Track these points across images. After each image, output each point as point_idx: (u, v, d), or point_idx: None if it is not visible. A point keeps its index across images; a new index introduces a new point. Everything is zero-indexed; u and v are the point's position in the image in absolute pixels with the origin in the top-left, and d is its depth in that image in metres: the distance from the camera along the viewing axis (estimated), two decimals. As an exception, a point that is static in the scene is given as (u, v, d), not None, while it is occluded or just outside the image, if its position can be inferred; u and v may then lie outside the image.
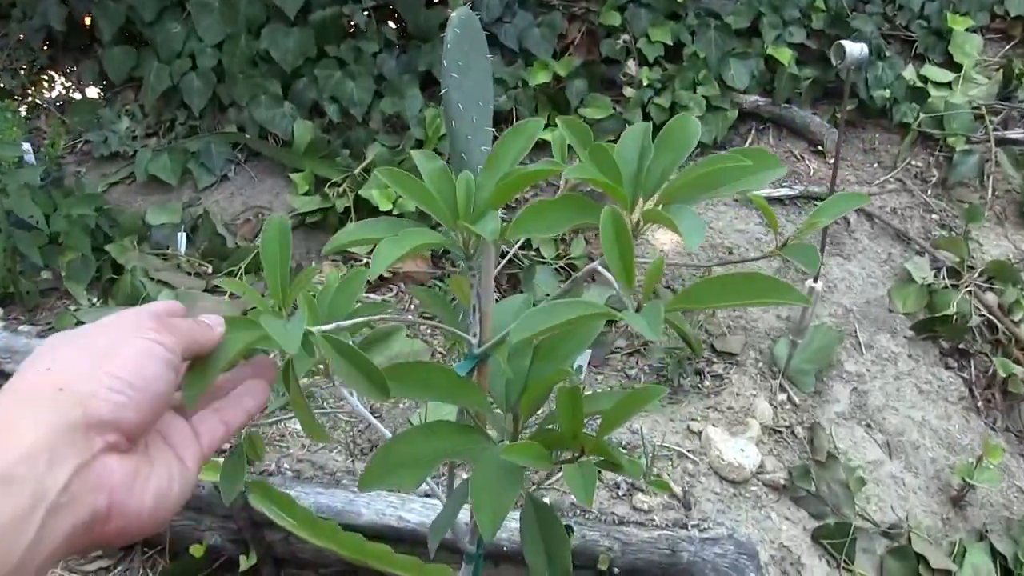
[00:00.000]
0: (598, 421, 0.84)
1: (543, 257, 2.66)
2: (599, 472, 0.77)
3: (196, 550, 1.90)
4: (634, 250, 0.55)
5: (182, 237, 3.04)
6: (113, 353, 0.53)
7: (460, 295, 0.91)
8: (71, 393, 0.49)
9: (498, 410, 0.93)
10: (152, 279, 2.73)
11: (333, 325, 0.72)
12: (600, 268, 0.68)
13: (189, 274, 2.87)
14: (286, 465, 1.99)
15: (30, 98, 3.66)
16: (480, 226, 0.67)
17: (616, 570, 1.70)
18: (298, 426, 2.13)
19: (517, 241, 0.86)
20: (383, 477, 0.77)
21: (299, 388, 0.78)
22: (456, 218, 0.72)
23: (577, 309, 0.56)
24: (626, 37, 3.20)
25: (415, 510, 1.79)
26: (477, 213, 0.71)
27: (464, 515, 1.01)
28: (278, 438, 2.09)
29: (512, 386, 0.94)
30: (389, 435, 1.12)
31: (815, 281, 2.19)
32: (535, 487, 1.58)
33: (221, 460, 1.94)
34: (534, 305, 0.77)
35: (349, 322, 0.77)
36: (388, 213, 2.76)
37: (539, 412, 0.94)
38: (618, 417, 0.85)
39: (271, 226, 0.70)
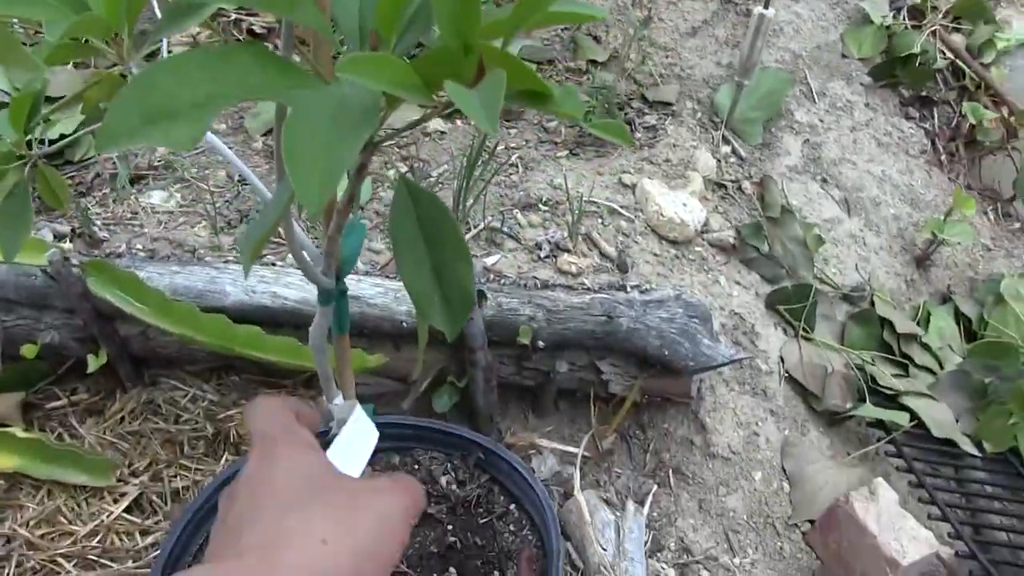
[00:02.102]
0: None
1: None
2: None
3: (28, 350, 1.52)
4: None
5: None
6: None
7: None
8: None
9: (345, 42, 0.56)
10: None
11: None
12: None
13: None
14: (139, 246, 1.60)
15: None
16: None
17: (541, 344, 1.38)
18: (154, 200, 1.73)
19: None
20: (137, 129, 0.40)
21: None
22: None
23: None
24: None
25: (293, 284, 1.43)
26: None
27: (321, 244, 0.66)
28: (129, 216, 1.68)
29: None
30: (246, 170, 0.73)
31: (766, 7, 1.83)
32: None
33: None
34: None
35: None
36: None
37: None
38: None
39: None
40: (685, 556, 1.41)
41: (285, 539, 0.46)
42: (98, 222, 1.65)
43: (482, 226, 1.54)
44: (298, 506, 0.48)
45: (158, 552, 0.99)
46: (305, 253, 0.59)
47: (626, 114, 1.93)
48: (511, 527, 1.08)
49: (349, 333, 0.74)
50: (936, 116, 2.25)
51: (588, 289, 1.42)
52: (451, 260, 0.54)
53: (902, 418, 1.58)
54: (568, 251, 1.52)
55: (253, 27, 2.17)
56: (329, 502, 0.49)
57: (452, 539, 1.08)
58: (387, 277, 1.45)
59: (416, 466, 1.15)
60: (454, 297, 0.54)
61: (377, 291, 1.39)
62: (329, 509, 0.48)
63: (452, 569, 1.04)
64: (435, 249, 0.54)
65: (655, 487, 1.47)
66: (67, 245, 1.53)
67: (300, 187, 0.39)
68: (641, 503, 1.44)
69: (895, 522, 1.33)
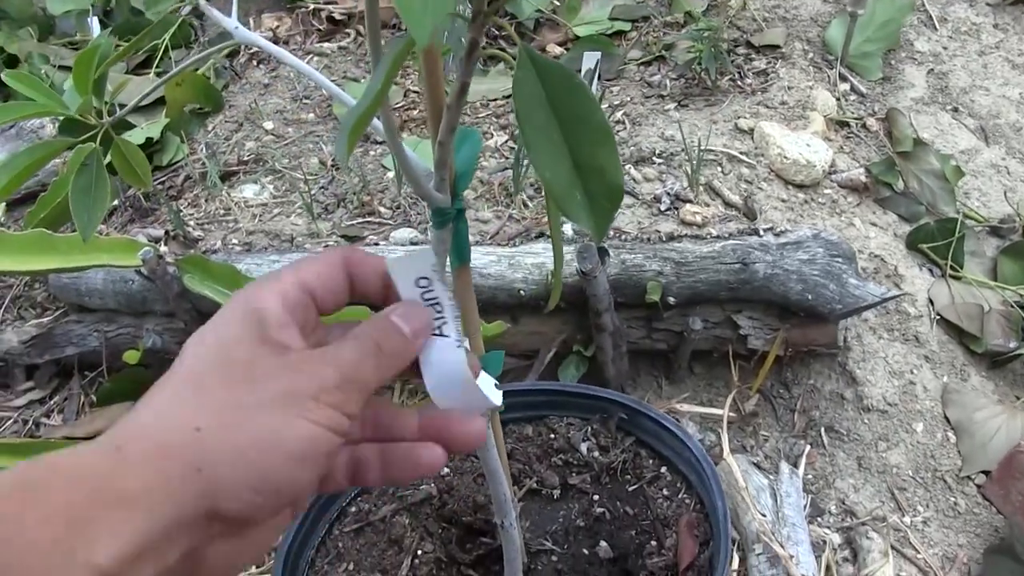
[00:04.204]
0: None
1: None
2: None
3: (130, 356, 1.50)
4: None
5: (94, 22, 2.52)
6: (272, 444, 0.40)
7: None
8: (208, 480, 0.38)
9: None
10: (56, 67, 2.24)
11: None
12: None
13: (105, 60, 2.37)
14: (234, 241, 1.56)
15: None
16: None
17: (672, 300, 1.28)
18: (246, 194, 1.68)
19: None
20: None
21: None
22: None
23: None
24: None
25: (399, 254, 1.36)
26: None
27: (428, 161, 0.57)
28: (222, 213, 1.64)
29: None
30: (349, 100, 0.67)
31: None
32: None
33: (111, 236, 1.51)
34: None
35: None
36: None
37: None
38: None
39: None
40: (849, 519, 1.29)
41: (152, 429, 0.39)
42: (191, 222, 1.62)
43: (594, 184, 1.45)
44: (191, 386, 0.41)
45: (278, 546, 0.93)
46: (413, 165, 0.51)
47: (733, 60, 1.81)
48: (664, 492, 0.98)
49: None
50: (1075, 30, 2.06)
51: (717, 237, 1.31)
52: (592, 146, 0.45)
53: (1078, 353, 1.43)
54: (690, 201, 1.41)
55: (333, 14, 2.12)
56: (228, 382, 0.41)
57: (600, 510, 0.98)
58: (499, 245, 1.37)
59: (552, 435, 1.06)
60: (598, 191, 0.45)
61: (490, 259, 1.31)
62: (222, 392, 0.40)
63: (603, 543, 0.95)
64: (572, 135, 0.45)
65: (807, 447, 1.36)
66: (162, 248, 1.50)
67: (408, 15, 0.31)
68: (795, 465, 1.33)
69: (1090, 464, 1.19)
